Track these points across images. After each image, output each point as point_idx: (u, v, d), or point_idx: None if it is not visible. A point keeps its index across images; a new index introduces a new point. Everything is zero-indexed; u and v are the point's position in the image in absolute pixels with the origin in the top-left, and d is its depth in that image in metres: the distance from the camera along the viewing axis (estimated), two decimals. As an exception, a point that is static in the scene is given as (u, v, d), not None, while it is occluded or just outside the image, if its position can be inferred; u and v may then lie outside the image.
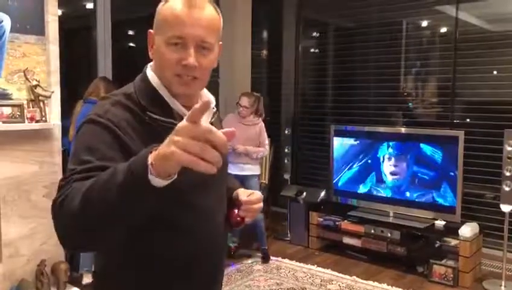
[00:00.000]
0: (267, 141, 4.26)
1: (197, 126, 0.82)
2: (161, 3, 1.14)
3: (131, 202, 0.89)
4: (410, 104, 4.92)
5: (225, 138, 0.83)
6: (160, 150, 0.84)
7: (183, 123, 0.84)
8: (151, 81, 1.16)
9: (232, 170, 4.16)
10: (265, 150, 4.25)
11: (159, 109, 1.13)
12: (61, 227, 0.96)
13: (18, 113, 2.95)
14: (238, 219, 1.25)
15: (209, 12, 1.12)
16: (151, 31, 1.16)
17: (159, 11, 1.14)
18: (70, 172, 1.01)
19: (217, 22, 1.14)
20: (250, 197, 1.26)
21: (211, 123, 1.22)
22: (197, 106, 0.83)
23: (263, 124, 4.27)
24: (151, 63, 1.20)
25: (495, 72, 4.34)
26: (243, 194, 1.28)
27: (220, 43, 1.18)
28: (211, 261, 1.24)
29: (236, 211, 1.26)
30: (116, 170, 0.89)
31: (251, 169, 4.20)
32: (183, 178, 0.89)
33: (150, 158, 0.85)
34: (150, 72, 1.18)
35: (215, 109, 1.27)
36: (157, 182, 0.85)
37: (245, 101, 4.16)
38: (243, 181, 4.15)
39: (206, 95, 1.25)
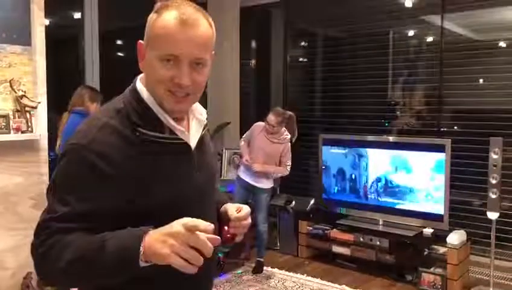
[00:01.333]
0: (289, 162, 4.09)
1: (194, 237, 0.94)
2: (153, 15, 1.11)
3: (118, 275, 1.01)
4: (395, 113, 4.96)
5: (211, 248, 0.96)
6: (155, 247, 0.95)
7: (181, 230, 0.94)
8: (142, 96, 1.13)
9: (245, 176, 4.14)
10: (285, 170, 4.10)
11: (150, 124, 1.11)
12: (43, 273, 1.06)
13: (3, 123, 2.92)
14: (229, 235, 1.23)
15: (203, 29, 1.10)
16: (141, 42, 1.13)
17: (151, 24, 1.10)
18: (51, 215, 1.04)
19: (210, 38, 1.12)
20: (239, 213, 1.23)
21: (202, 137, 1.23)
22: (201, 226, 0.95)
23: (289, 145, 4.12)
24: (142, 76, 1.17)
25: (481, 81, 4.40)
26: (231, 209, 1.26)
27: (213, 52, 1.16)
28: (200, 272, 1.23)
29: (226, 227, 1.23)
30: (105, 248, 0.98)
31: (262, 182, 4.11)
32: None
33: (142, 248, 0.95)
34: (140, 85, 1.15)
35: (206, 121, 1.26)
36: (145, 263, 0.97)
37: (272, 120, 4.00)
38: (252, 190, 4.13)
39: (198, 108, 1.24)
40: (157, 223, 1.00)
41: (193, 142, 1.19)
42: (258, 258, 4.26)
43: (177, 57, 1.06)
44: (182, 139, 1.15)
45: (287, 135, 4.14)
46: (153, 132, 1.10)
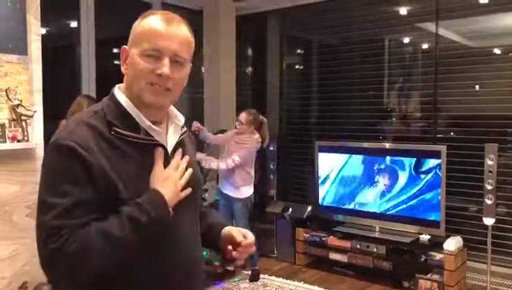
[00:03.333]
0: (236, 158, 3.93)
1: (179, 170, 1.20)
2: (137, 21, 1.20)
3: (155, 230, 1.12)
4: (391, 120, 4.98)
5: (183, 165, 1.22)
6: (168, 193, 1.14)
7: (171, 171, 1.18)
8: (118, 98, 1.19)
9: (224, 188, 4.14)
10: (222, 162, 3.96)
11: (125, 124, 1.15)
12: (79, 271, 1.05)
13: (-1, 132, 2.91)
14: (232, 257, 1.30)
15: (184, 30, 1.19)
16: (125, 47, 1.20)
17: (135, 27, 1.19)
18: (56, 212, 1.04)
19: (190, 40, 1.21)
20: (248, 240, 1.31)
21: (179, 142, 1.25)
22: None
23: (250, 149, 4.05)
24: (120, 84, 1.23)
25: (476, 87, 4.42)
26: (236, 233, 1.33)
27: (190, 64, 1.22)
28: (186, 270, 1.23)
29: (230, 248, 1.30)
30: (138, 211, 1.09)
31: (239, 192, 4.06)
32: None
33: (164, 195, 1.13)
34: (117, 91, 1.21)
35: (184, 128, 1.30)
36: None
37: (242, 116, 4.09)
38: (230, 201, 4.12)
39: (174, 111, 1.28)
40: None
41: (170, 145, 1.23)
42: (252, 268, 4.25)
43: (159, 51, 1.13)
44: (157, 141, 1.19)
45: (257, 141, 4.11)
46: (126, 131, 1.14)
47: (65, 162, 1.08)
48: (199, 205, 1.37)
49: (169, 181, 1.15)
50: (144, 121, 1.17)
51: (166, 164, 1.19)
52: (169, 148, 1.22)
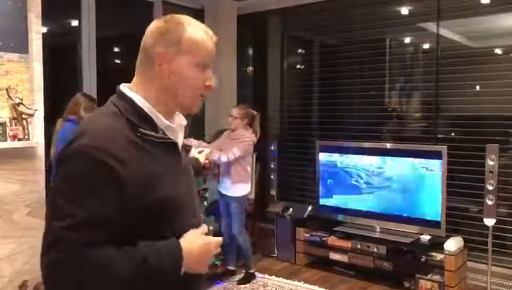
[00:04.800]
0: (236, 151, 3.92)
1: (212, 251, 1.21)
2: (176, 26, 1.18)
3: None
4: (391, 120, 4.98)
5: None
6: (193, 266, 1.14)
7: (206, 250, 1.18)
8: (134, 99, 1.17)
9: (220, 187, 4.13)
10: (223, 155, 3.91)
11: (147, 125, 1.16)
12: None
13: (0, 131, 2.91)
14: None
15: None
16: (164, 51, 1.16)
17: (181, 34, 1.17)
18: (68, 222, 1.00)
19: None
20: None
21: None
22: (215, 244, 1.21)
23: (249, 143, 4.02)
24: (126, 84, 1.22)
25: (477, 88, 4.41)
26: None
27: None
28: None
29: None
30: (148, 269, 1.05)
31: (234, 190, 4.03)
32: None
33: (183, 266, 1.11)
34: (128, 91, 1.19)
35: (185, 125, 1.33)
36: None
37: (234, 111, 4.10)
38: (226, 200, 4.12)
39: (179, 114, 1.31)
40: (158, 218, 1.11)
41: (179, 143, 1.26)
42: (246, 270, 4.23)
43: (209, 65, 1.22)
44: (172, 139, 1.21)
45: (253, 135, 4.10)
46: (150, 132, 1.15)
47: (92, 174, 1.03)
48: (198, 202, 1.38)
49: (203, 250, 1.16)
50: (163, 121, 1.18)
51: (179, 160, 1.23)
52: (180, 145, 1.26)
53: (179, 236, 1.13)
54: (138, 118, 1.15)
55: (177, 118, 1.28)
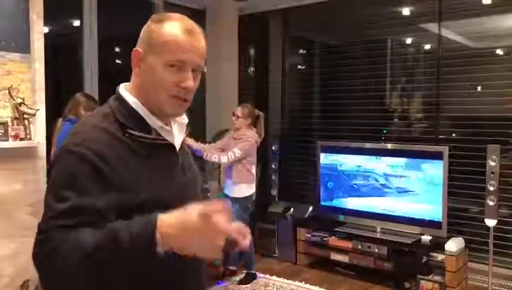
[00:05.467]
0: (236, 151, 3.85)
1: (210, 230, 0.98)
2: (154, 24, 1.16)
3: (138, 265, 1.01)
4: (396, 120, 4.98)
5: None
6: (174, 239, 0.99)
7: (196, 223, 0.97)
8: (127, 99, 1.18)
9: (225, 189, 4.10)
10: (223, 155, 3.85)
11: (137, 125, 1.15)
12: (53, 280, 1.01)
13: (2, 131, 2.92)
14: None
15: (203, 40, 1.18)
16: (138, 49, 1.17)
17: (151, 32, 1.15)
18: (50, 214, 1.02)
19: (206, 49, 1.20)
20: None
21: (182, 140, 1.27)
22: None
23: (251, 142, 3.94)
24: (125, 84, 1.22)
25: (479, 88, 4.41)
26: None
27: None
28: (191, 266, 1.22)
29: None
30: (119, 240, 0.97)
31: (238, 191, 3.96)
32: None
33: (158, 235, 0.97)
34: (124, 91, 1.20)
35: (189, 127, 1.31)
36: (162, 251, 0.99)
37: (237, 110, 4.04)
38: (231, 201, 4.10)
39: None
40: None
41: (177, 144, 1.24)
42: (246, 271, 4.21)
43: (184, 63, 1.13)
44: (167, 140, 1.19)
45: (257, 135, 4.04)
46: (140, 133, 1.14)
47: (76, 170, 1.05)
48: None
49: (199, 226, 0.97)
50: (156, 122, 1.17)
51: (175, 161, 1.21)
52: (177, 146, 1.24)
53: None
54: (131, 119, 1.15)
55: (178, 117, 1.27)
